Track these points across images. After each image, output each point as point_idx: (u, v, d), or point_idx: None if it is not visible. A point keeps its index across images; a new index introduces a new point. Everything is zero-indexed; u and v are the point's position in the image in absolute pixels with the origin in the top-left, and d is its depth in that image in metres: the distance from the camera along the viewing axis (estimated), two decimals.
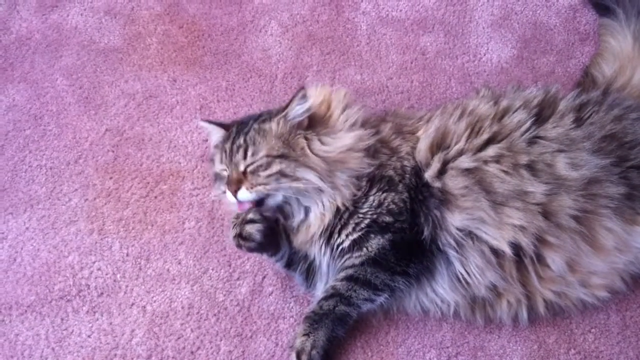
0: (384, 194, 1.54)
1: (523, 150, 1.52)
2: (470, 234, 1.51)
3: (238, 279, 1.73)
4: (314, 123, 1.58)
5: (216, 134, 1.68)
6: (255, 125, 1.57)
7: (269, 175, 1.51)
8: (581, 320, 1.65)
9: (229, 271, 1.74)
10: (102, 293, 1.71)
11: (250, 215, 1.54)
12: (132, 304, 1.70)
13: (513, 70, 2.06)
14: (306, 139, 1.54)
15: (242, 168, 1.53)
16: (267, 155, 1.52)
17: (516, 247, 1.50)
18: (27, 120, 1.98)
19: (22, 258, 1.76)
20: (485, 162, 1.51)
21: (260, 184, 1.51)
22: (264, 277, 1.73)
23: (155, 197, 1.85)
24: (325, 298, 1.54)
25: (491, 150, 1.52)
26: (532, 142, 1.53)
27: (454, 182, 1.51)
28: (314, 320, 1.53)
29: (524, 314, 1.59)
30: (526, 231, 1.48)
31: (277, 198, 1.54)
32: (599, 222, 1.50)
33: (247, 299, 1.70)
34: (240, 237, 1.54)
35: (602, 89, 1.72)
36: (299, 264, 1.65)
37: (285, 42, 2.13)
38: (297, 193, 1.54)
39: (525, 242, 1.48)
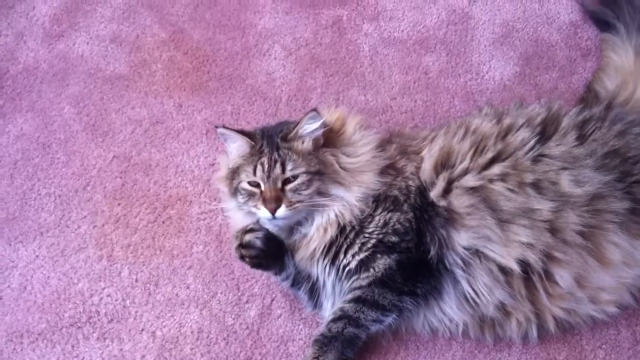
0: (390, 214, 1.55)
1: (528, 168, 1.52)
2: (477, 253, 1.51)
3: (247, 302, 1.73)
4: (331, 139, 1.59)
5: (239, 141, 1.60)
6: (283, 143, 1.56)
7: (308, 194, 1.52)
8: (591, 337, 1.64)
9: (238, 294, 1.74)
10: (112, 319, 1.72)
11: (251, 225, 1.56)
12: (142, 330, 1.70)
13: (516, 88, 2.07)
14: (333, 155, 1.56)
15: (279, 184, 1.52)
16: (307, 172, 1.52)
17: (524, 265, 1.50)
18: (36, 148, 2.00)
19: (33, 286, 1.77)
20: (491, 180, 1.52)
21: (299, 202, 1.51)
22: (273, 300, 1.73)
23: (163, 222, 1.87)
24: (334, 320, 1.54)
25: (496, 169, 1.53)
26: (536, 160, 1.54)
27: (460, 201, 1.51)
28: (323, 343, 1.53)
29: (533, 332, 1.58)
30: (534, 248, 1.48)
31: (303, 214, 1.56)
32: (604, 237, 1.50)
33: (256, 322, 1.70)
34: (242, 246, 1.54)
35: (605, 104, 1.73)
36: (302, 284, 1.65)
37: (289, 65, 2.15)
38: (319, 208, 1.55)
39: (533, 258, 1.48)
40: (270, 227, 1.59)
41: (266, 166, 1.53)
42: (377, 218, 1.55)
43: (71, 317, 1.72)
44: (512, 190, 1.50)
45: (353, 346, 1.54)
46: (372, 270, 1.54)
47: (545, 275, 1.51)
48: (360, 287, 1.54)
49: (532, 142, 1.56)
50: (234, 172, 1.60)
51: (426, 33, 2.19)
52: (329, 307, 1.63)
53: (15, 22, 2.27)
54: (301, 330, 1.69)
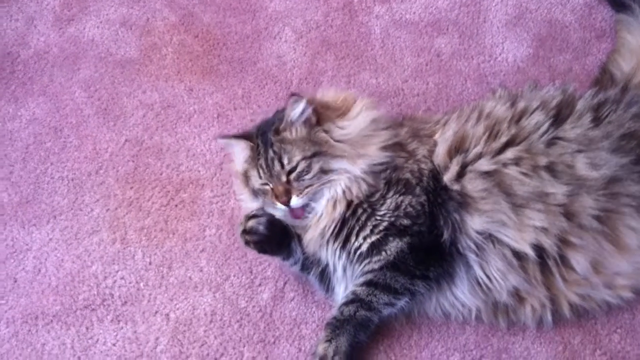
0: (401, 197, 1.54)
1: (542, 151, 1.51)
2: (490, 237, 1.50)
3: (260, 285, 1.73)
4: (330, 115, 1.60)
5: (238, 146, 1.65)
6: (275, 136, 1.57)
7: (313, 177, 1.53)
8: (606, 321, 1.64)
9: (251, 277, 1.74)
10: (125, 302, 1.73)
11: (254, 211, 1.58)
12: (156, 312, 1.71)
13: (529, 70, 2.05)
14: (326, 131, 1.57)
15: (284, 178, 1.54)
16: (304, 158, 1.53)
17: (539, 249, 1.49)
18: (48, 133, 2.01)
19: (47, 269, 1.78)
20: (505, 164, 1.51)
21: (307, 187, 1.54)
22: (286, 283, 1.73)
23: (176, 205, 1.87)
24: (346, 304, 1.54)
25: (510, 153, 1.51)
26: (551, 143, 1.52)
27: (473, 185, 1.51)
28: (336, 326, 1.53)
29: (548, 318, 1.57)
30: (548, 232, 1.47)
31: (322, 194, 1.57)
32: (621, 221, 1.49)
33: (269, 305, 1.71)
34: (246, 232, 1.57)
35: (621, 86, 1.71)
36: (311, 268, 1.65)
37: (300, 48, 2.14)
38: (328, 184, 1.56)
39: (548, 243, 1.47)
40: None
41: (265, 166, 1.57)
42: (388, 201, 1.55)
43: (85, 299, 1.73)
44: (526, 174, 1.49)
45: (365, 329, 1.54)
46: (384, 253, 1.54)
47: (561, 260, 1.50)
48: (372, 271, 1.54)
49: (546, 125, 1.54)
50: (245, 177, 1.64)
51: (438, 15, 2.17)
52: (341, 292, 1.63)
53: (25, 7, 2.27)
54: (314, 313, 1.69)
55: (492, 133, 1.57)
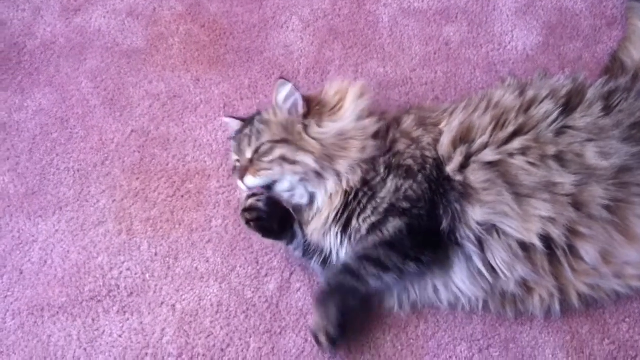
0: (402, 181, 1.54)
1: (551, 141, 1.48)
2: (493, 228, 1.48)
3: (266, 275, 1.73)
4: (320, 111, 1.63)
5: (233, 124, 1.78)
6: (258, 117, 1.66)
7: (272, 161, 1.58)
8: (615, 310, 1.62)
9: (257, 268, 1.74)
10: (132, 293, 1.72)
11: (254, 191, 1.62)
12: (162, 303, 1.71)
13: (539, 58, 2.02)
14: (304, 124, 1.60)
15: (248, 155, 1.60)
16: (269, 141, 1.58)
17: (547, 240, 1.47)
18: (54, 123, 2.00)
19: (53, 260, 1.78)
20: (511, 154, 1.48)
21: (263, 169, 1.58)
22: (292, 274, 1.72)
23: (182, 196, 1.86)
24: (335, 275, 1.55)
25: (517, 143, 1.49)
26: (560, 132, 1.50)
27: (476, 176, 1.49)
28: (324, 298, 1.53)
29: (556, 307, 1.56)
30: (556, 223, 1.45)
31: (284, 184, 1.60)
32: (632, 211, 1.47)
33: (276, 295, 1.70)
34: (245, 210, 1.60)
35: (632, 74, 1.69)
36: (313, 255, 1.66)
37: (307, 38, 2.12)
38: (302, 179, 1.59)
39: (557, 233, 1.45)
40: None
41: (238, 142, 1.65)
42: (389, 184, 1.54)
43: (91, 290, 1.73)
44: (533, 164, 1.47)
45: (354, 296, 1.54)
46: (381, 233, 1.53)
47: (569, 250, 1.48)
48: (367, 248, 1.54)
49: (555, 114, 1.51)
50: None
51: (447, 3, 2.15)
52: None
53: None
54: None
55: (499, 123, 1.54)
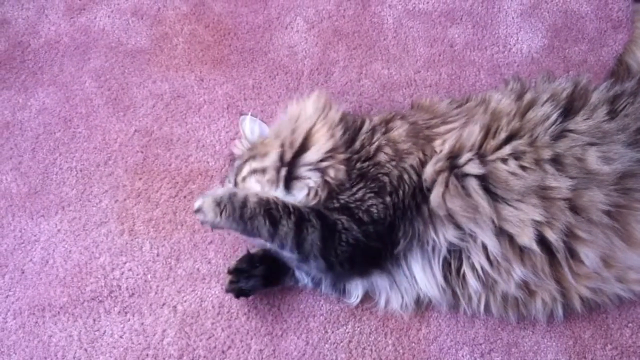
0: (370, 194, 1.49)
1: (547, 144, 1.46)
2: (471, 238, 1.47)
3: None
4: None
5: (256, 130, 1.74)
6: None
7: (244, 178, 1.62)
8: (617, 315, 1.61)
9: None
10: (133, 293, 1.72)
11: (235, 266, 1.62)
12: (163, 304, 1.70)
13: (544, 61, 2.02)
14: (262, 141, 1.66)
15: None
16: (240, 164, 1.64)
17: (544, 243, 1.45)
18: (57, 123, 2.00)
19: (54, 260, 1.78)
20: (504, 160, 1.46)
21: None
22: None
23: (185, 196, 1.86)
24: (260, 203, 1.45)
25: (509, 148, 1.46)
26: (559, 135, 1.48)
27: (454, 203, 1.45)
28: (232, 210, 1.45)
29: (559, 311, 1.55)
30: (553, 226, 1.43)
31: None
32: (634, 217, 1.45)
33: (277, 297, 1.69)
34: (241, 293, 1.63)
35: (638, 78, 1.67)
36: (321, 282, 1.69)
37: (311, 39, 2.12)
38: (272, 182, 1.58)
39: (553, 237, 1.43)
40: None
41: (228, 179, 1.73)
42: (354, 189, 1.50)
43: (93, 291, 1.73)
44: (526, 168, 1.44)
45: (250, 235, 1.49)
46: (329, 211, 1.49)
47: (570, 254, 1.47)
48: (312, 208, 1.48)
49: (554, 117, 1.49)
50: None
51: (452, 4, 2.14)
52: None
53: None
54: (322, 305, 1.68)
55: (491, 131, 1.51)
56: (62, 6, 2.24)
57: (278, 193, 1.55)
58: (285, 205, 1.46)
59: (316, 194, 1.53)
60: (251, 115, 1.65)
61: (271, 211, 1.44)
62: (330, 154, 1.54)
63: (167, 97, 2.03)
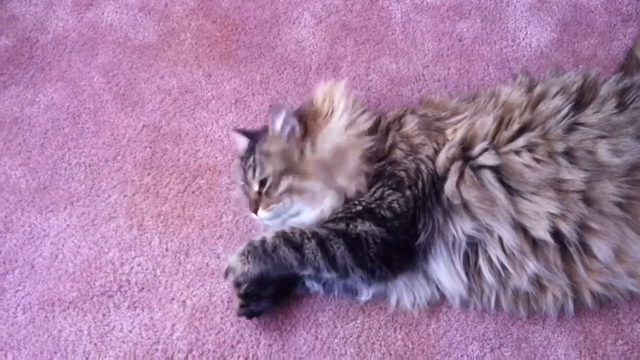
0: (389, 191, 1.50)
1: (560, 137, 1.46)
2: (488, 231, 1.47)
3: None
4: (315, 126, 1.58)
5: (242, 143, 1.73)
6: (259, 146, 1.60)
7: (280, 194, 1.54)
8: (628, 310, 1.60)
9: None
10: (142, 288, 1.72)
11: (243, 291, 1.59)
12: (173, 299, 1.70)
13: (553, 55, 2.01)
14: (301, 149, 1.56)
15: (255, 188, 1.58)
16: (274, 173, 1.54)
17: (558, 236, 1.45)
18: (66, 118, 2.00)
19: (64, 255, 1.78)
20: (517, 152, 1.46)
21: (274, 203, 1.55)
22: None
23: (193, 192, 1.86)
24: (277, 235, 1.49)
25: (522, 140, 1.47)
26: (570, 128, 1.48)
27: (469, 193, 1.46)
28: (256, 251, 1.49)
29: (570, 306, 1.54)
30: (567, 219, 1.43)
31: (294, 210, 1.57)
32: None
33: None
34: (252, 314, 1.62)
35: None
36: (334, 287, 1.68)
37: (319, 33, 2.11)
38: (308, 203, 1.55)
39: (567, 229, 1.43)
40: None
41: (244, 171, 1.63)
42: (372, 189, 1.51)
43: (102, 286, 1.73)
44: (539, 161, 1.44)
45: (281, 270, 1.49)
46: (345, 225, 1.49)
47: (582, 247, 1.46)
48: (329, 229, 1.49)
49: (565, 110, 1.49)
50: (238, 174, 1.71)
51: None
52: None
53: None
54: (331, 300, 1.67)
55: (503, 122, 1.52)
56: (70, 2, 2.24)
57: (303, 216, 1.57)
58: (302, 231, 1.49)
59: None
60: (287, 111, 1.56)
61: (291, 239, 1.48)
62: (356, 171, 1.54)
63: (175, 92, 2.03)
